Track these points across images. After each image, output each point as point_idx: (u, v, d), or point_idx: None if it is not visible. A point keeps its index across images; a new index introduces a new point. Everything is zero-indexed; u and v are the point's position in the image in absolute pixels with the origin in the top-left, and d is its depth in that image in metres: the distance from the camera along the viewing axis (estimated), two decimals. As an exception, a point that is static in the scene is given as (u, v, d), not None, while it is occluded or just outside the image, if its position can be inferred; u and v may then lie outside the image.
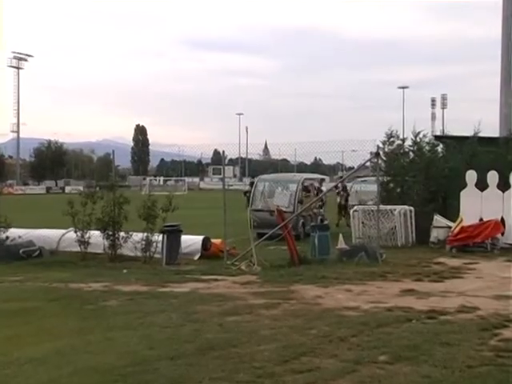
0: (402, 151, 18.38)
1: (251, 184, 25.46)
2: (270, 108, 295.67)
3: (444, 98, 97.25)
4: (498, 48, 21.31)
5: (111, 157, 16.02)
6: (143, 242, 13.10)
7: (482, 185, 15.24)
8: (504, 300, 8.47)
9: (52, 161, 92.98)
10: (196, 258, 13.41)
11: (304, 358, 5.93)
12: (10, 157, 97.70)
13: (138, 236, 13.21)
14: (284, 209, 15.13)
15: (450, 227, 14.91)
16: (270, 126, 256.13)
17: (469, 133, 18.02)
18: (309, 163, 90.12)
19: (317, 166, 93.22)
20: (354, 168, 18.94)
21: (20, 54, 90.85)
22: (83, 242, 13.57)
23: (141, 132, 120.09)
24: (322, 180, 22.36)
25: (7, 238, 13.86)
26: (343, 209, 21.83)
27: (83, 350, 6.27)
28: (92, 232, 13.59)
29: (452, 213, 15.59)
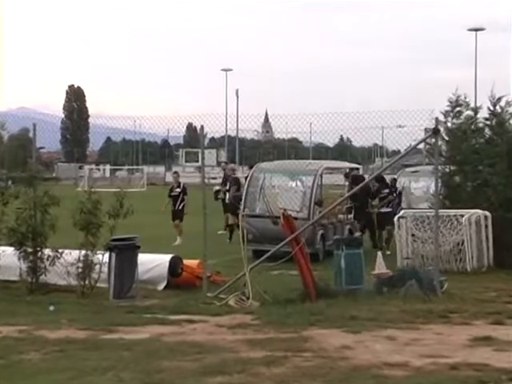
0: (473, 127, 18.42)
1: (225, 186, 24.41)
2: (272, 62, 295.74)
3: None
4: None
5: (30, 134, 16.02)
6: (80, 265, 13.15)
7: None
8: None
9: None
10: (161, 287, 13.53)
11: None
12: None
13: (72, 255, 13.27)
14: (294, 214, 15.16)
15: (547, 243, 15.00)
16: (274, 88, 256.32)
17: None
18: (331, 145, 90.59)
19: (343, 150, 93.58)
20: (399, 152, 18.94)
21: None
22: (-12, 264, 13.57)
23: (76, 97, 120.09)
24: (352, 170, 22.40)
25: None
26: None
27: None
28: (1, 249, 13.60)
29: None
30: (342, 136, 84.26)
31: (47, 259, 13.42)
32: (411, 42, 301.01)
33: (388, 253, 17.66)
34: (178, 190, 21.91)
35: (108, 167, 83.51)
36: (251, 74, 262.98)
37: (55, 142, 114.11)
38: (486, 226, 16.17)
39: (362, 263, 13.14)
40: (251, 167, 24.83)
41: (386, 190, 20.46)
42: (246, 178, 24.81)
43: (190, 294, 12.91)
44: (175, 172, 25.93)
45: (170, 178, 78.36)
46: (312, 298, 12.14)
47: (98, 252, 13.17)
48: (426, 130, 14.99)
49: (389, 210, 19.83)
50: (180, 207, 21.50)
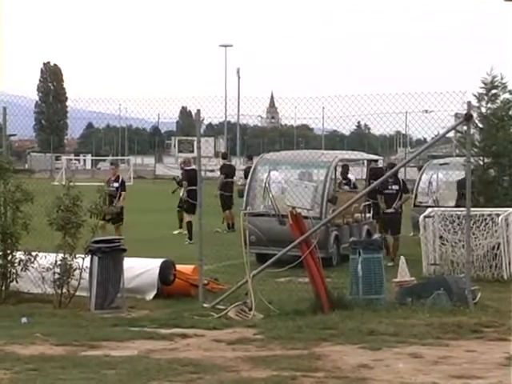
0: (511, 113, 18.36)
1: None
2: (279, 37, 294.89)
3: None
4: None
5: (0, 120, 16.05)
6: (57, 270, 13.12)
7: None
8: None
9: None
10: (150, 297, 13.55)
11: None
12: None
13: (47, 259, 13.25)
14: (304, 212, 15.14)
15: None
16: (280, 68, 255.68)
17: None
18: (347, 133, 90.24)
19: (361, 139, 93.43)
20: (425, 142, 18.89)
21: None
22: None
23: (53, 77, 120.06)
24: (371, 162, 22.36)
25: None
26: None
27: None
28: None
29: None
30: (359, 122, 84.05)
31: (19, 263, 13.39)
32: (438, 14, 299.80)
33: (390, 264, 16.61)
34: (116, 184, 21.15)
35: (89, 158, 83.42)
36: (254, 51, 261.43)
37: (28, 129, 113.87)
38: (526, 228, 16.11)
39: (382, 269, 13.08)
40: (250, 158, 24.83)
41: (395, 187, 18.87)
42: (244, 170, 24.86)
43: (183, 304, 12.90)
44: (113, 163, 25.26)
45: (161, 170, 78.91)
46: (325, 309, 12.13)
47: (78, 255, 13.12)
48: (456, 115, 14.90)
49: (392, 210, 18.81)
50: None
